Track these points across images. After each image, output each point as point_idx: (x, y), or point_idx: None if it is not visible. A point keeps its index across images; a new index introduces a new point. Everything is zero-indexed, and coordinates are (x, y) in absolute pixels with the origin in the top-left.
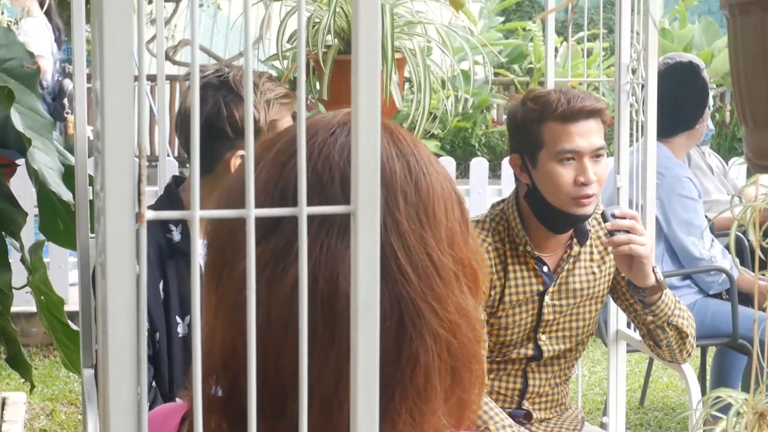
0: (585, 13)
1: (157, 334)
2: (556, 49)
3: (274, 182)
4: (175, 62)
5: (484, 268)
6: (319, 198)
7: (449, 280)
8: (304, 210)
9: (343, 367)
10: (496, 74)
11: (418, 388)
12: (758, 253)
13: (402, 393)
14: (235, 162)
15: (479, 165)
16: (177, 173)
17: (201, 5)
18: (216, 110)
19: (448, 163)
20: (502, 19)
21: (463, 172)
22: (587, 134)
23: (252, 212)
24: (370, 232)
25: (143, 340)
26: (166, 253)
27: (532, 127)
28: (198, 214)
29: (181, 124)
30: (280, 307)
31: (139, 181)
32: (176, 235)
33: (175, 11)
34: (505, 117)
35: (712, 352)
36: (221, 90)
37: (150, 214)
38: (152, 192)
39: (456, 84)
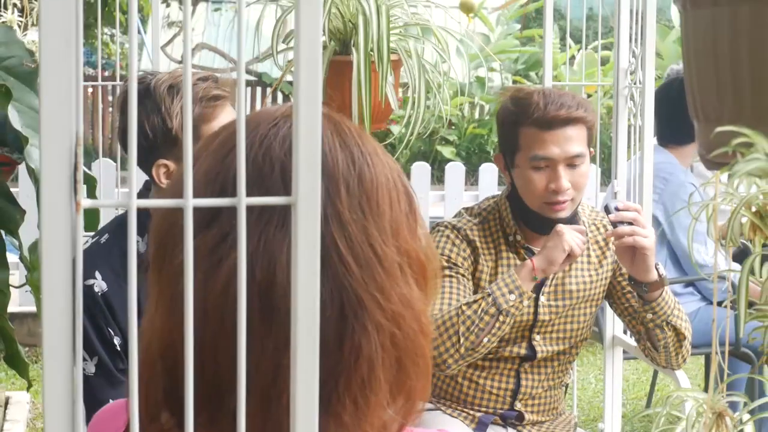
0: (600, 21)
1: None
2: (573, 57)
3: (214, 173)
4: (203, 71)
5: (434, 261)
6: (259, 189)
7: (392, 270)
8: (243, 201)
9: (281, 357)
10: (514, 82)
11: (362, 379)
12: (717, 248)
13: (346, 384)
14: (158, 172)
15: (488, 170)
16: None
17: (218, 9)
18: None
19: (458, 169)
20: (519, 26)
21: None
22: (562, 142)
23: (190, 202)
24: (311, 223)
25: (79, 327)
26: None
27: (511, 129)
28: (135, 203)
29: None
30: (216, 299)
31: (75, 169)
32: (142, 246)
33: (192, 15)
34: None
35: None
36: (144, 99)
37: (86, 203)
38: None
39: (471, 91)
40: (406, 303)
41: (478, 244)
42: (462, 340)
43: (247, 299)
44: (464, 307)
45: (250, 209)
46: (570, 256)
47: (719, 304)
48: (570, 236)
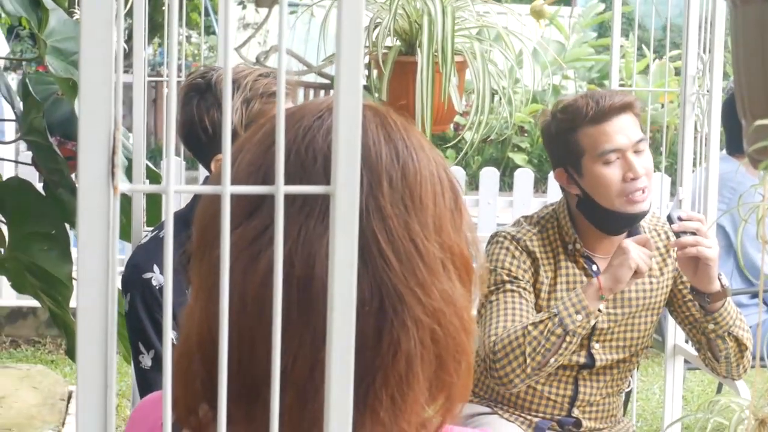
0: (667, 33)
1: None
2: (647, 66)
3: (258, 164)
4: (265, 68)
5: (480, 259)
6: (301, 180)
7: (434, 266)
8: (281, 189)
9: (319, 351)
10: (587, 90)
11: (399, 375)
12: (764, 251)
13: (383, 379)
14: (216, 166)
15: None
16: None
17: (294, 12)
18: (191, 116)
19: (527, 175)
20: (595, 34)
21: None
22: (624, 129)
23: (227, 189)
24: (349, 214)
25: (113, 314)
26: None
27: (569, 137)
28: (172, 188)
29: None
30: (254, 291)
31: (113, 153)
32: None
33: (267, 16)
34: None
35: None
36: (204, 93)
37: (124, 187)
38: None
39: (545, 98)
40: (448, 299)
41: (538, 254)
42: (528, 360)
43: (285, 292)
44: (530, 327)
45: (291, 201)
46: (636, 274)
47: None
48: (635, 253)
